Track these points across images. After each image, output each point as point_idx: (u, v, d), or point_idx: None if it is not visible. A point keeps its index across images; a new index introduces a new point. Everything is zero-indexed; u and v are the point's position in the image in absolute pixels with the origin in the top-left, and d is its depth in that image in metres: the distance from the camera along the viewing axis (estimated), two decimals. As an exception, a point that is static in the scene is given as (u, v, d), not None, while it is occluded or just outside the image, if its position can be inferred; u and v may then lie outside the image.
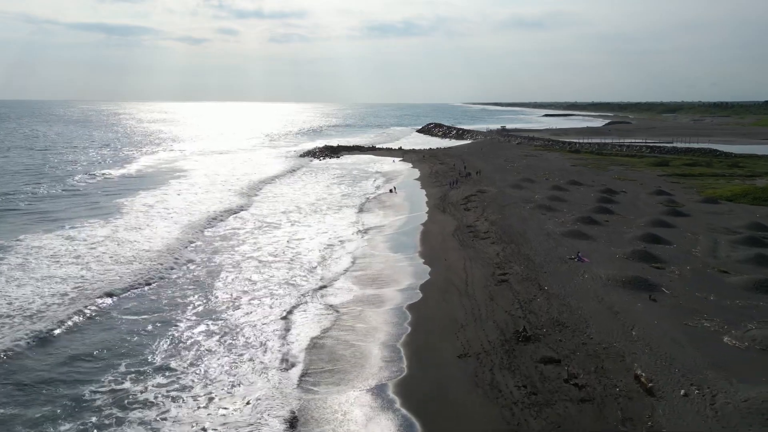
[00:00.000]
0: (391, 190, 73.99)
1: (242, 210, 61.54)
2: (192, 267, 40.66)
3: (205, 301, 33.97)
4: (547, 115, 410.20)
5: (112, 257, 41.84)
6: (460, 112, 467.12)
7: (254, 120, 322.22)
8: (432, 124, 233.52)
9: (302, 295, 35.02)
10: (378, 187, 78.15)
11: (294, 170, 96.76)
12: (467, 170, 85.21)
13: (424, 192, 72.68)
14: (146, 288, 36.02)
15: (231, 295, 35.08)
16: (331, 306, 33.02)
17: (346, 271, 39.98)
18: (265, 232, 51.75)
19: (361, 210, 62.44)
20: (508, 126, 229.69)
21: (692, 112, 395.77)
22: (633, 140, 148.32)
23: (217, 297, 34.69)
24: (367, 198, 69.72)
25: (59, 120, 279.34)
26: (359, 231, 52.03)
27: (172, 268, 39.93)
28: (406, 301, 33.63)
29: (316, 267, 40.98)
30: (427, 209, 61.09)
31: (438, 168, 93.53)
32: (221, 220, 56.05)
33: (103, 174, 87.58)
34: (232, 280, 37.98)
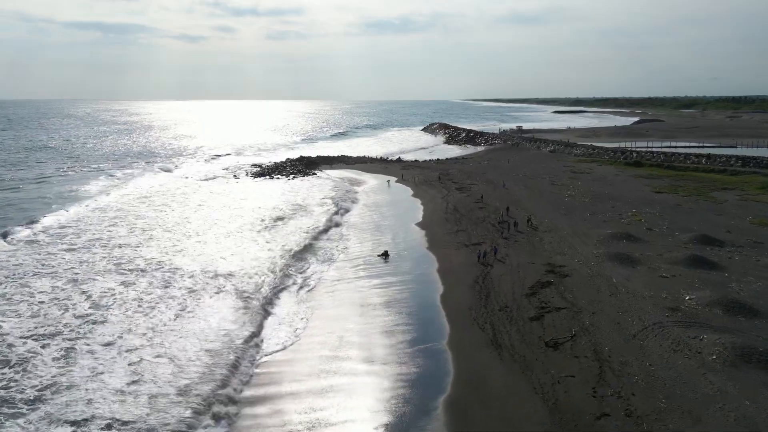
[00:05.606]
0: (384, 254, 41.35)
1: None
2: None
3: None
4: (557, 112, 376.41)
5: None
6: (464, 110, 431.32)
7: (254, 121, 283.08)
8: (436, 124, 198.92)
9: None
10: (349, 244, 45.02)
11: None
12: (510, 216, 49.94)
13: (435, 263, 38.87)
14: None
15: None
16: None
17: None
18: None
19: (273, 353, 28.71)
20: (524, 126, 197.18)
21: (710, 108, 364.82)
22: (687, 144, 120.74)
23: None
24: (305, 293, 36.06)
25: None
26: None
27: None
28: None
29: None
30: (449, 328, 27.98)
31: (456, 199, 59.79)
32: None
33: None
34: None
